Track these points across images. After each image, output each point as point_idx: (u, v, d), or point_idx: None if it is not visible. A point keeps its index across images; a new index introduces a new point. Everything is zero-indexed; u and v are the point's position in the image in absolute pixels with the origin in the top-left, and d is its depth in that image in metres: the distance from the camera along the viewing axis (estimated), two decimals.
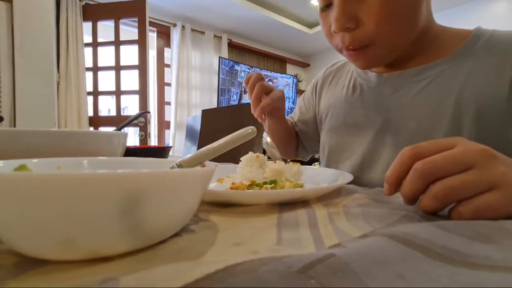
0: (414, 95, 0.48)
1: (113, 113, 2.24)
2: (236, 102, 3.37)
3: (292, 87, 3.92)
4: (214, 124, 1.21)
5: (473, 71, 0.43)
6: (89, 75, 2.17)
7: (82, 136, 0.38)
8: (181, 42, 3.00)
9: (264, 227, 0.22)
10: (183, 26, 3.02)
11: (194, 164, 0.29)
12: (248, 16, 3.10)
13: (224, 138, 0.31)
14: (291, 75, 3.96)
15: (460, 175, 0.22)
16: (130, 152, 0.61)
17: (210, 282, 0.11)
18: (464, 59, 0.45)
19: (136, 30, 2.12)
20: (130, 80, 2.20)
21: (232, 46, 3.51)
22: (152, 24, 2.80)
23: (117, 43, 2.13)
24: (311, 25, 3.53)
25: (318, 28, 3.30)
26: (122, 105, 2.25)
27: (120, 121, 1.95)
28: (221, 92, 3.23)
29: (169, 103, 3.08)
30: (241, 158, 0.39)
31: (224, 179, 0.38)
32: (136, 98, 2.15)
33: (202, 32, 3.19)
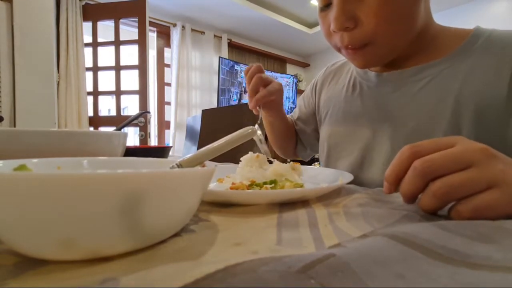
0: (413, 94, 0.48)
1: (113, 113, 2.24)
2: (236, 102, 3.37)
3: (292, 87, 3.92)
4: (214, 124, 1.21)
5: (472, 71, 0.44)
6: (89, 75, 2.17)
7: (82, 136, 0.38)
8: (181, 42, 3.00)
9: (264, 227, 0.22)
10: (183, 26, 3.02)
11: (194, 164, 0.29)
12: (248, 16, 3.10)
13: (224, 138, 0.31)
14: (291, 75, 3.96)
15: (459, 174, 0.22)
16: (130, 152, 0.61)
17: (210, 282, 0.11)
18: (463, 58, 0.45)
19: (136, 30, 2.12)
20: (130, 80, 2.20)
21: (232, 46, 3.51)
22: (152, 24, 2.80)
23: (117, 43, 2.13)
24: (311, 25, 3.53)
25: (318, 28, 3.29)
26: (122, 105, 2.25)
27: (120, 121, 1.95)
28: (221, 92, 3.23)
29: (169, 103, 3.08)
30: (241, 158, 0.39)
31: (224, 179, 0.38)
32: (136, 98, 2.15)
33: (202, 32, 3.19)
